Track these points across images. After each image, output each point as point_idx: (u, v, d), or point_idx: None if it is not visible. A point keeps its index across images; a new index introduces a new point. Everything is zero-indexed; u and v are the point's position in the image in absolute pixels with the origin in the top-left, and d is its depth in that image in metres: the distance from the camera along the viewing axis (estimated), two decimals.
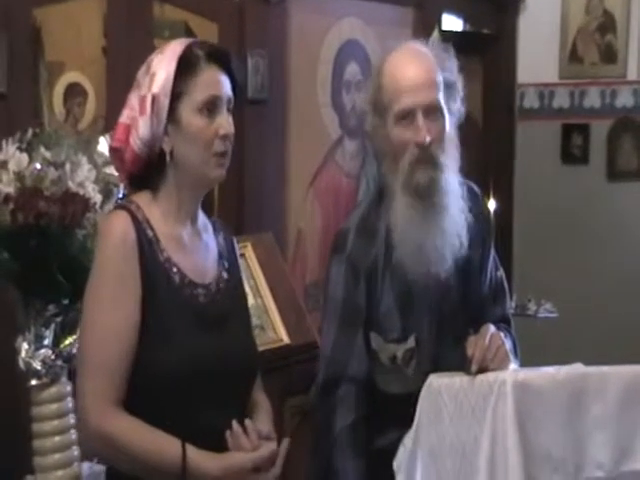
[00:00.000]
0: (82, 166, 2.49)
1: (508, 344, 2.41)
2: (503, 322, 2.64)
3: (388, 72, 2.45)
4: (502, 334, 2.41)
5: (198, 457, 1.99)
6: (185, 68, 2.05)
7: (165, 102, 2.05)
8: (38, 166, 2.43)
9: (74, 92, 3.46)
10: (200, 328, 2.09)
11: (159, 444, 1.99)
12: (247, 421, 2.07)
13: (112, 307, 2.01)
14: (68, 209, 2.41)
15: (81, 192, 2.45)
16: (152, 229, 2.09)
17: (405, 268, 2.45)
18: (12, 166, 2.42)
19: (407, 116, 2.39)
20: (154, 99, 2.05)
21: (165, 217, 2.12)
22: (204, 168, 2.09)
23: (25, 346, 2.49)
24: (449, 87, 2.46)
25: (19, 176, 2.41)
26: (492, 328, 2.40)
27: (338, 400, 2.46)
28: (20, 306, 2.51)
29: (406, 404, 2.39)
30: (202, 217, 2.23)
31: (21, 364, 2.50)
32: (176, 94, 2.05)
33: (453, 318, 2.52)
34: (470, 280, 2.56)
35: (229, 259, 2.26)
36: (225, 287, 2.20)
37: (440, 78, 2.44)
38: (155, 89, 2.05)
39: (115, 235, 2.05)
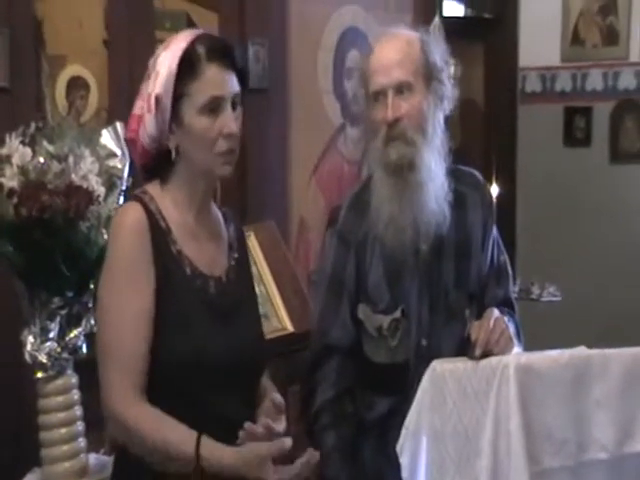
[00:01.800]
0: (85, 159, 2.49)
1: (511, 328, 2.42)
2: (505, 305, 2.66)
3: (365, 60, 2.56)
4: (506, 318, 2.43)
5: (213, 447, 1.99)
6: (186, 69, 2.05)
7: (167, 103, 2.05)
8: (41, 160, 2.44)
9: (76, 85, 3.47)
10: (211, 318, 2.11)
11: (177, 437, 2.00)
12: (261, 418, 2.09)
13: (128, 297, 2.03)
14: (72, 202, 2.42)
15: (84, 185, 2.46)
16: (165, 220, 2.11)
17: (383, 241, 2.53)
18: (16, 160, 2.43)
19: (379, 97, 2.49)
20: (157, 99, 2.06)
21: (177, 207, 2.14)
22: (210, 166, 2.10)
23: (31, 339, 2.51)
24: (433, 69, 2.52)
25: (23, 170, 2.42)
26: (496, 312, 2.42)
27: (320, 376, 2.56)
28: (25, 299, 2.53)
29: (392, 374, 2.53)
30: (213, 208, 2.25)
31: (27, 357, 2.51)
32: (178, 95, 2.05)
33: (447, 295, 2.57)
34: (469, 260, 2.60)
35: (239, 250, 2.28)
36: (235, 278, 2.21)
37: (417, 58, 2.50)
38: (158, 89, 2.06)
39: (129, 226, 2.06)
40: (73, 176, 2.45)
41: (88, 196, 2.47)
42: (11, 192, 2.41)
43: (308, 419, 2.58)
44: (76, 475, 2.57)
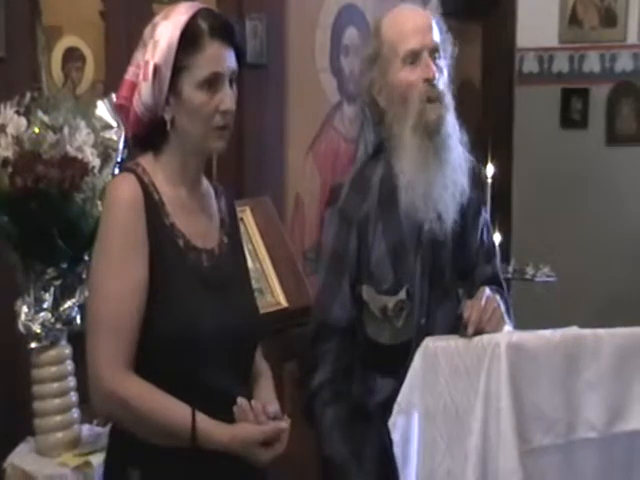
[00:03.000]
0: (80, 130, 2.50)
1: (502, 307, 2.43)
2: (494, 282, 2.66)
3: (389, 26, 2.53)
4: (497, 297, 2.43)
5: (208, 425, 2.00)
6: (188, 42, 2.03)
7: (167, 74, 2.04)
8: (36, 130, 2.44)
9: (72, 56, 3.46)
10: (204, 292, 2.11)
11: (169, 409, 2.00)
12: (254, 402, 2.08)
13: (121, 269, 2.02)
14: (66, 173, 2.42)
15: (79, 156, 2.47)
16: (157, 193, 2.10)
17: (412, 213, 2.49)
18: (10, 130, 2.43)
19: (414, 58, 2.47)
20: (156, 69, 2.04)
21: (169, 180, 2.13)
22: (204, 140, 2.10)
23: (25, 309, 2.52)
24: (442, 42, 2.54)
25: (17, 140, 2.42)
26: (488, 291, 2.42)
27: (319, 355, 2.54)
28: (20, 270, 2.53)
29: (395, 354, 2.50)
30: (205, 182, 2.24)
31: (21, 327, 2.52)
32: (178, 68, 2.04)
33: (442, 273, 2.56)
34: (463, 239, 2.60)
35: (231, 224, 2.27)
36: (227, 252, 2.21)
37: (437, 26, 2.53)
38: (157, 59, 2.04)
39: (123, 198, 2.05)
40: (68, 147, 2.45)
41: (83, 167, 2.47)
42: (6, 162, 2.41)
43: (306, 397, 2.57)
44: (69, 445, 2.58)
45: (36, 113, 2.47)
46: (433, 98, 2.46)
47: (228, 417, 2.04)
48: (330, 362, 2.54)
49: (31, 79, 3.11)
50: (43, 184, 2.39)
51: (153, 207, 2.07)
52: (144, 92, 2.06)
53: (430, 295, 2.53)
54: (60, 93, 2.81)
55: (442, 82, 2.49)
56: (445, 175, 2.48)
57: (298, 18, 4.14)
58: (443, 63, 2.52)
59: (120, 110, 2.16)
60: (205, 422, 2.00)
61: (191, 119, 2.07)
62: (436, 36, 2.50)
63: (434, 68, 2.46)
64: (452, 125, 2.50)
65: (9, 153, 2.41)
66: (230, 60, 2.09)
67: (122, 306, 2.01)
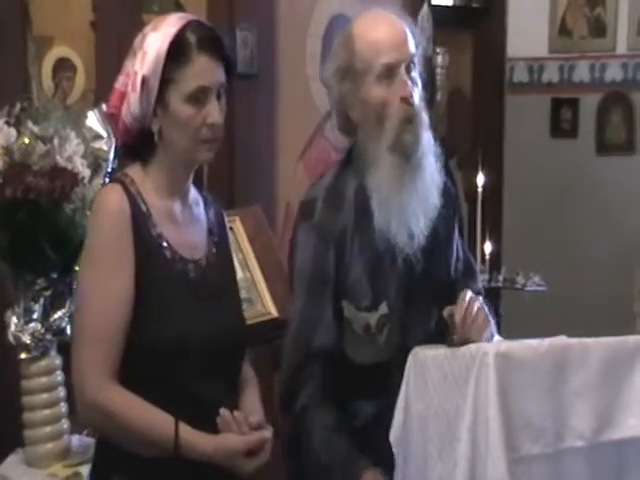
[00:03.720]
0: (70, 140, 2.50)
1: (485, 311, 2.39)
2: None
3: (361, 37, 2.41)
4: (479, 299, 2.40)
5: (191, 436, 2.01)
6: (176, 55, 2.04)
7: (154, 85, 2.05)
8: (26, 140, 2.44)
9: (63, 67, 3.46)
10: (191, 302, 2.11)
11: (153, 420, 2.01)
12: (237, 413, 2.09)
13: (108, 279, 2.03)
14: (56, 183, 2.42)
15: (69, 166, 2.47)
16: (145, 203, 2.10)
17: (385, 232, 2.41)
18: (0, 140, 2.43)
19: (389, 74, 2.37)
20: (144, 80, 2.05)
21: (157, 191, 2.13)
22: (191, 152, 2.11)
23: (14, 320, 2.51)
24: (416, 47, 2.44)
25: (7, 150, 2.43)
26: (469, 292, 2.39)
27: (303, 380, 2.41)
28: (9, 280, 2.53)
29: (374, 375, 2.42)
30: (193, 192, 2.24)
31: (10, 338, 2.52)
32: (165, 80, 2.05)
33: (419, 290, 2.48)
34: (434, 253, 2.52)
35: (219, 234, 2.27)
36: (215, 262, 2.21)
37: (411, 36, 2.43)
38: (145, 71, 2.04)
39: (110, 209, 2.06)
40: (58, 157, 2.46)
41: (73, 178, 2.47)
42: None
43: (291, 423, 2.47)
44: (59, 456, 2.58)
45: (26, 123, 2.47)
46: (410, 118, 2.38)
47: (215, 427, 2.05)
48: (316, 385, 2.42)
49: (21, 89, 3.12)
50: (33, 195, 2.39)
51: (140, 218, 2.08)
52: (132, 103, 2.07)
53: (407, 312, 2.47)
54: (50, 103, 2.82)
55: (417, 97, 2.40)
56: (419, 194, 2.41)
57: (289, 28, 4.16)
58: (417, 73, 2.42)
59: (110, 119, 2.18)
60: (188, 433, 2.01)
61: (178, 131, 2.08)
62: (411, 46, 2.40)
63: (410, 85, 2.37)
64: (428, 143, 2.42)
65: None
66: (218, 73, 2.09)
67: (107, 317, 2.02)
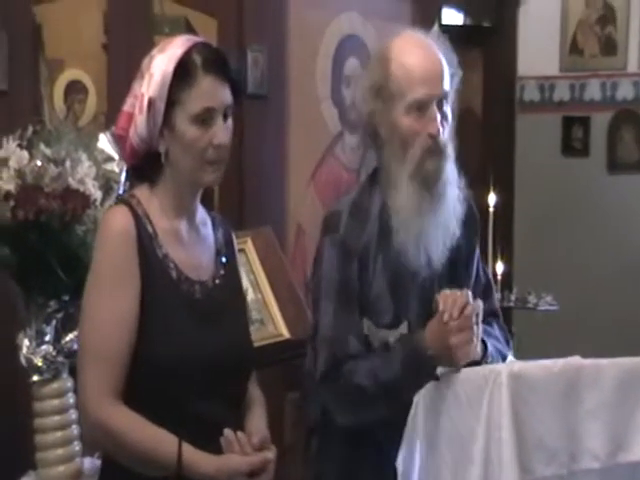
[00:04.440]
0: (82, 163, 2.50)
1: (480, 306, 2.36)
2: (492, 315, 2.64)
3: (398, 59, 2.43)
4: (469, 293, 2.36)
5: (194, 456, 2.01)
6: (181, 77, 2.05)
7: (161, 107, 2.06)
8: (39, 163, 2.45)
9: (75, 89, 3.47)
10: (196, 323, 2.11)
11: (156, 440, 2.01)
12: (240, 433, 2.08)
13: (112, 300, 2.03)
14: (68, 205, 2.43)
15: (81, 189, 2.47)
16: (151, 224, 2.11)
17: (403, 254, 2.44)
18: (13, 163, 2.44)
19: (419, 107, 2.40)
20: (150, 102, 2.06)
21: (164, 211, 2.14)
22: (198, 173, 2.11)
23: (26, 342, 2.51)
24: (450, 78, 2.47)
25: (19, 173, 2.43)
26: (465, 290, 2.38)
27: (347, 374, 2.40)
28: (21, 302, 2.53)
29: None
30: (201, 212, 2.24)
31: (22, 360, 2.52)
32: (171, 101, 2.06)
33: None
34: (457, 272, 2.56)
35: (227, 255, 2.27)
36: (221, 283, 2.21)
37: (447, 68, 2.45)
38: (152, 92, 2.06)
39: (116, 230, 2.06)
40: (70, 180, 2.46)
41: (85, 200, 2.47)
42: (8, 195, 2.41)
43: (343, 395, 2.44)
44: (71, 479, 2.57)
45: (38, 146, 2.48)
46: (435, 151, 2.41)
47: (217, 447, 2.05)
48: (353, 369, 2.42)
49: (33, 112, 3.13)
50: (45, 217, 2.40)
51: (146, 239, 2.09)
52: (139, 125, 2.08)
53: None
54: (62, 126, 2.81)
55: (446, 132, 2.43)
56: (438, 221, 2.44)
57: (299, 49, 4.16)
58: (449, 106, 2.45)
59: (119, 140, 2.19)
60: (191, 453, 2.01)
61: (184, 153, 2.09)
62: (445, 81, 2.42)
63: (439, 122, 2.39)
64: (451, 173, 2.45)
65: (11, 186, 2.41)
66: (224, 94, 2.10)
67: (111, 337, 2.02)
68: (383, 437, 2.43)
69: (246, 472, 2.03)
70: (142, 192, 2.15)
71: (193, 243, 2.19)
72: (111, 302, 2.03)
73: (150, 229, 2.10)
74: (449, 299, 2.32)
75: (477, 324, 2.33)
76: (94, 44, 3.55)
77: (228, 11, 3.84)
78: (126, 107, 2.13)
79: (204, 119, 2.07)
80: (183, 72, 2.05)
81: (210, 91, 2.07)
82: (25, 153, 2.45)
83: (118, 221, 2.07)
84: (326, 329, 2.46)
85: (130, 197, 2.14)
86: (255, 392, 2.30)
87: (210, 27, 3.79)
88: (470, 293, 2.37)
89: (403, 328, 2.47)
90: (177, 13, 3.80)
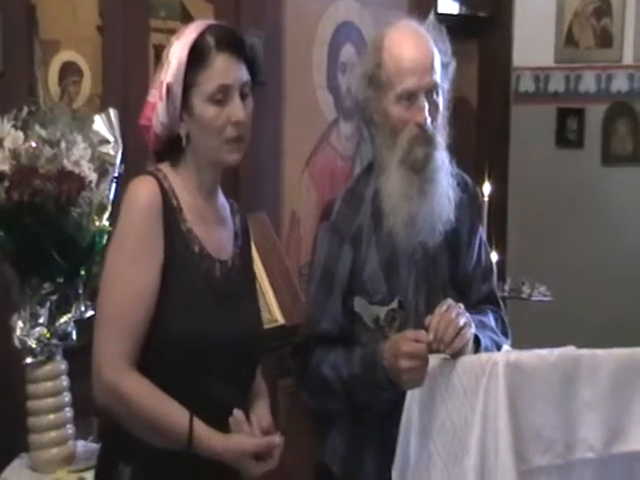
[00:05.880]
0: (77, 144, 2.49)
1: (465, 318, 2.36)
2: (490, 300, 2.68)
3: (389, 49, 2.48)
4: (459, 306, 2.37)
5: (204, 432, 2.03)
6: (196, 59, 2.08)
7: (178, 91, 2.08)
8: (33, 144, 2.43)
9: (69, 71, 3.44)
10: (214, 301, 2.13)
11: (168, 410, 2.02)
12: (251, 415, 2.12)
13: (134, 269, 2.04)
14: (63, 187, 2.42)
15: (76, 170, 2.46)
16: (176, 199, 2.13)
17: (396, 236, 2.51)
18: (7, 144, 2.43)
19: (408, 97, 2.45)
20: (168, 88, 2.09)
21: (187, 189, 2.16)
22: (218, 153, 2.13)
23: (20, 324, 2.50)
24: (444, 68, 2.52)
25: (14, 154, 2.42)
26: (450, 300, 2.39)
27: (315, 362, 2.51)
28: (15, 284, 2.52)
29: None
30: (221, 196, 2.28)
31: (16, 342, 2.51)
32: (188, 84, 2.08)
33: (443, 290, 2.55)
34: (458, 255, 2.62)
35: (243, 240, 2.30)
36: (239, 265, 2.24)
37: (438, 59, 2.50)
38: (169, 78, 2.09)
39: (142, 199, 2.07)
40: (65, 161, 2.45)
41: (80, 182, 2.46)
42: (2, 176, 2.40)
43: (308, 380, 2.55)
44: (63, 462, 2.57)
45: (33, 127, 2.47)
46: (423, 139, 2.46)
47: (225, 428, 2.06)
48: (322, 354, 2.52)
49: (28, 93, 3.11)
50: (39, 198, 2.38)
51: (171, 212, 2.11)
52: (160, 112, 2.12)
53: (428, 310, 2.46)
54: (57, 107, 2.80)
55: (437, 121, 2.47)
56: (429, 205, 2.48)
57: (295, 36, 4.15)
58: (440, 99, 2.49)
59: (145, 131, 2.20)
60: (201, 428, 2.03)
61: (204, 133, 2.11)
62: (435, 75, 2.47)
63: (427, 112, 2.44)
64: (441, 160, 2.50)
65: (6, 167, 2.40)
66: (239, 72, 2.12)
67: (129, 307, 2.03)
68: (386, 416, 2.45)
69: (252, 453, 2.05)
70: (167, 168, 2.17)
71: (215, 223, 2.21)
72: (132, 272, 2.04)
73: (175, 203, 2.12)
74: (441, 324, 2.32)
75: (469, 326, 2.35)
76: (89, 26, 3.53)
77: None
78: (150, 98, 2.16)
79: (220, 98, 2.09)
80: (197, 55, 2.08)
81: (224, 69, 2.09)
82: (20, 134, 2.44)
83: (145, 192, 2.09)
84: (305, 308, 2.63)
85: (156, 170, 2.16)
86: (261, 384, 2.33)
87: (206, 13, 3.77)
88: (450, 300, 2.39)
89: (393, 304, 2.52)
90: None
